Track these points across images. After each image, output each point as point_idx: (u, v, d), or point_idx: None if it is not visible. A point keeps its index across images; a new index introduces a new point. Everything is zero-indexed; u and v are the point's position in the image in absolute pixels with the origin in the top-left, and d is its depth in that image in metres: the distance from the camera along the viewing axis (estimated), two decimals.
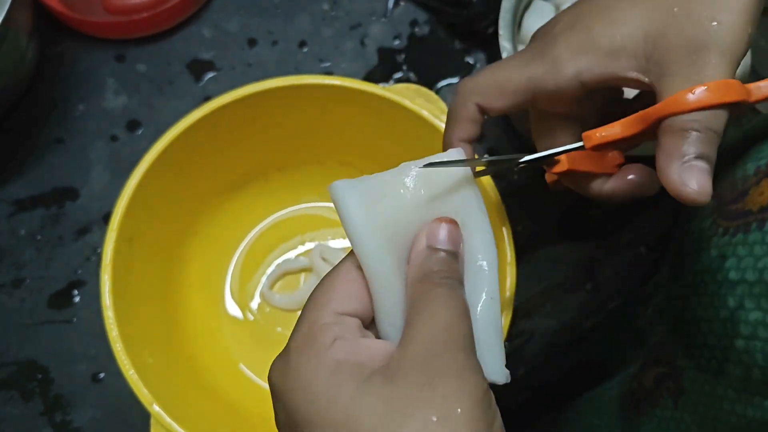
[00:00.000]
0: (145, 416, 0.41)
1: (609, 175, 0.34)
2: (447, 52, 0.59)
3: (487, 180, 0.44)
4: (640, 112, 0.29)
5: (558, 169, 0.32)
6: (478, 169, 0.32)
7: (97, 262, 0.53)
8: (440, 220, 0.28)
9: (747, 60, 0.51)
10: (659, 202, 0.56)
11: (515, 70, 0.32)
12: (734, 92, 0.27)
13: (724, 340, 0.38)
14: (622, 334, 0.57)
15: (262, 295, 0.53)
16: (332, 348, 0.25)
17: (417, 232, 0.28)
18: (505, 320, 0.42)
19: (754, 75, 0.52)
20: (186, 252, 0.51)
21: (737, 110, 0.28)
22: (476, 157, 0.34)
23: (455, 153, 0.30)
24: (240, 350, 0.51)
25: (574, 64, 0.30)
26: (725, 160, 0.47)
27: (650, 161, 0.49)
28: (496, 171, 0.34)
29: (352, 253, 0.27)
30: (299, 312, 0.53)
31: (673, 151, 0.28)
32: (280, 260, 0.54)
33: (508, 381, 0.27)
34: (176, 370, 0.46)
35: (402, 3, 0.61)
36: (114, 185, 0.54)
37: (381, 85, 0.58)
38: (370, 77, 0.59)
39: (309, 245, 0.54)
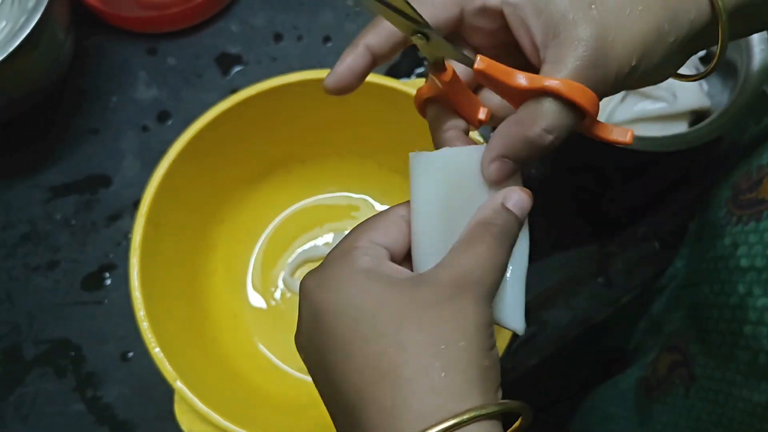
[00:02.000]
0: (169, 393, 0.44)
1: (463, 119, 0.33)
2: None
3: None
4: (532, 75, 0.29)
5: (443, 77, 0.31)
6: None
7: (127, 246, 0.55)
8: (521, 189, 0.30)
9: (765, 54, 0.51)
10: (673, 198, 0.56)
11: None
12: (588, 101, 0.28)
13: (733, 326, 0.38)
14: (639, 325, 0.57)
15: (284, 282, 0.55)
16: (362, 260, 0.28)
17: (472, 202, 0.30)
18: None
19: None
20: (211, 238, 0.53)
21: (583, 124, 0.30)
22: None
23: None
24: (261, 334, 0.53)
25: None
26: (742, 154, 0.47)
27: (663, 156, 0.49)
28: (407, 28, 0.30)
29: (400, 204, 0.31)
30: None
31: (498, 140, 0.29)
32: (301, 248, 0.55)
33: (522, 333, 0.30)
34: (199, 350, 0.48)
35: None
36: (144, 173, 0.57)
37: (402, 80, 0.59)
38: (392, 72, 0.60)
39: (329, 235, 0.56)
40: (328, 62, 0.60)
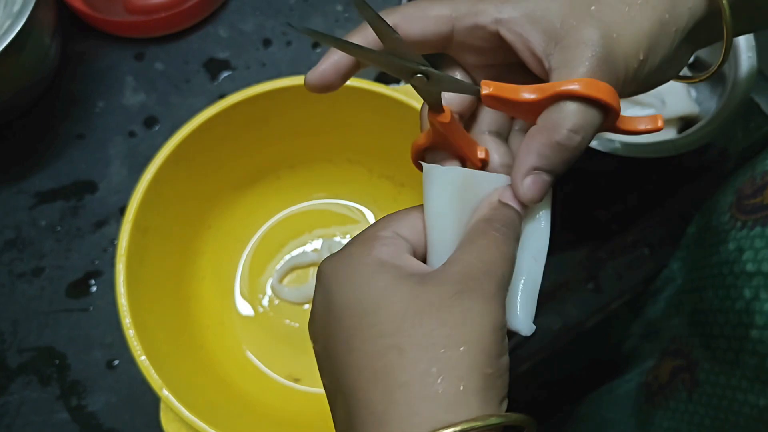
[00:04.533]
0: (156, 402, 0.43)
1: (461, 158, 0.33)
2: None
3: None
4: (540, 84, 0.29)
5: (442, 119, 0.30)
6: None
7: (113, 253, 0.55)
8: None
9: (753, 61, 0.52)
10: (662, 204, 0.57)
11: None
12: (609, 95, 0.28)
13: (739, 331, 0.38)
14: (633, 329, 0.57)
15: (271, 288, 0.54)
16: (381, 249, 0.28)
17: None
18: None
19: (760, 76, 0.53)
20: (199, 245, 0.53)
21: (607, 121, 0.29)
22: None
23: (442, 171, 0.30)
24: (249, 341, 0.52)
25: (497, 9, 0.30)
26: (745, 158, 0.48)
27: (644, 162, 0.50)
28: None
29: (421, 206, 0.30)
30: (307, 305, 0.55)
31: (526, 153, 0.28)
32: (289, 255, 0.55)
33: (531, 334, 0.29)
34: (186, 357, 0.47)
35: None
36: (131, 179, 0.56)
37: (391, 86, 0.59)
38: (381, 78, 0.60)
39: (318, 241, 0.55)
40: None
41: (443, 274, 0.27)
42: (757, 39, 0.52)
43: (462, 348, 0.25)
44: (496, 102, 0.30)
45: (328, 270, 0.28)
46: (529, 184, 0.29)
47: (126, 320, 0.42)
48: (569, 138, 0.28)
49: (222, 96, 0.59)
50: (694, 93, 0.57)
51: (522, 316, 0.29)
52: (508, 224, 0.29)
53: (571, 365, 0.63)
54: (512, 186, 0.29)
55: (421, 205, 0.30)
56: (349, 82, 0.47)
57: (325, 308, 0.28)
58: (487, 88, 0.30)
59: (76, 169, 0.57)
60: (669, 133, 0.54)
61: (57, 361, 0.53)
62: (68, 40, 0.60)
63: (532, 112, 0.29)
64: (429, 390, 0.24)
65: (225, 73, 0.60)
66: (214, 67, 0.60)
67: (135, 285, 0.43)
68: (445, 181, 0.30)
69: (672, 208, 0.56)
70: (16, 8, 0.50)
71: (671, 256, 0.54)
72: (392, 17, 0.31)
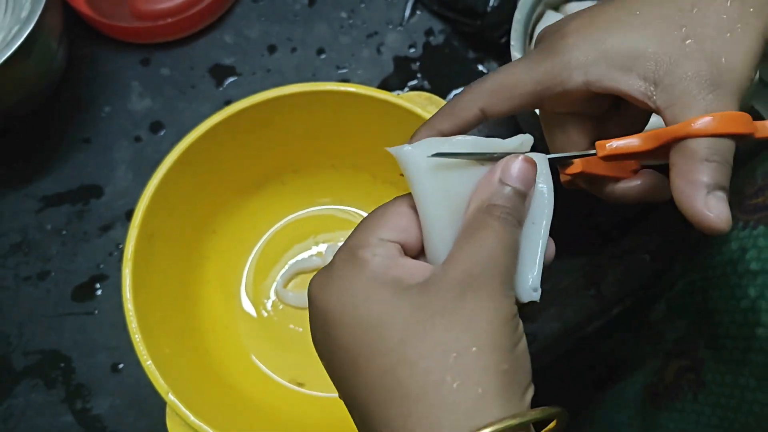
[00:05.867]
0: (161, 405, 0.43)
1: (623, 178, 0.35)
2: (460, 60, 0.61)
3: None
4: (655, 130, 0.29)
5: (571, 170, 0.33)
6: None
7: (119, 257, 0.55)
8: (523, 158, 0.29)
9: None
10: (662, 211, 0.57)
11: (523, 72, 0.32)
12: (745, 125, 0.28)
13: (745, 330, 0.38)
14: (636, 333, 0.57)
15: (276, 293, 0.55)
16: (372, 262, 0.27)
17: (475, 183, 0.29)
18: None
19: (760, 83, 0.53)
20: (204, 249, 0.53)
21: (741, 142, 0.29)
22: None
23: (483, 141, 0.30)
24: (253, 345, 0.53)
25: (583, 71, 0.30)
26: (745, 158, 0.48)
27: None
28: None
29: (403, 195, 0.29)
30: None
31: (695, 178, 0.28)
32: (294, 260, 0.55)
33: (534, 300, 0.29)
34: (192, 362, 0.48)
35: (418, 12, 0.62)
36: (137, 184, 0.57)
37: (395, 92, 0.59)
38: (385, 84, 0.60)
39: (322, 246, 0.56)
40: (322, 74, 0.61)
41: (444, 278, 0.26)
42: None
43: (474, 349, 0.24)
44: (613, 157, 0.31)
45: (318, 289, 0.27)
46: (713, 205, 0.27)
47: (132, 325, 0.42)
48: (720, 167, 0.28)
49: (227, 102, 0.59)
50: None
51: (523, 285, 0.28)
52: (511, 209, 0.28)
53: (571, 370, 0.63)
54: (694, 214, 0.27)
55: (399, 198, 0.29)
56: (352, 89, 0.48)
57: (322, 330, 0.27)
58: (601, 149, 0.31)
59: (82, 174, 0.58)
60: None
61: (62, 364, 0.53)
62: (75, 45, 0.60)
63: (654, 153, 0.30)
64: (447, 400, 0.24)
65: (230, 79, 0.60)
66: (220, 72, 0.60)
67: (141, 289, 0.44)
68: (427, 162, 0.28)
69: (672, 215, 0.56)
70: (24, 14, 0.50)
71: (671, 261, 0.54)
72: (480, 101, 0.32)
